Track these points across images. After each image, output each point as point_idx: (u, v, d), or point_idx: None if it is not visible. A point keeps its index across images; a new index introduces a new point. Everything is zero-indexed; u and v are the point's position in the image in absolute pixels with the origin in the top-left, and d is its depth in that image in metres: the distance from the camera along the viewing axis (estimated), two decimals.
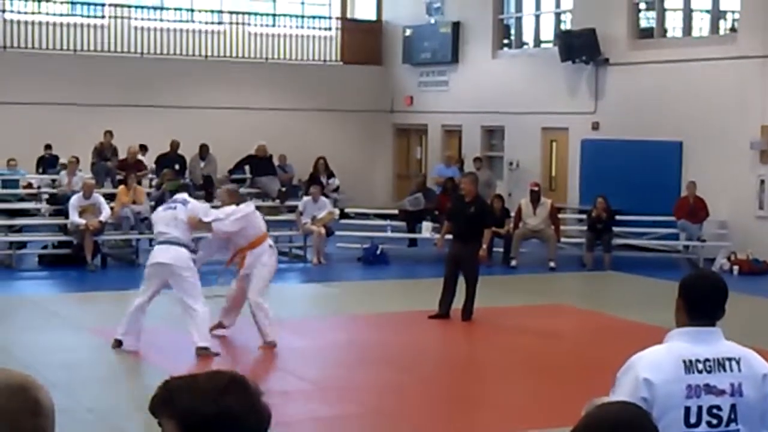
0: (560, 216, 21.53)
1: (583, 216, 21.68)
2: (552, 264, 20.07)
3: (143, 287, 12.48)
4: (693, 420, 4.13)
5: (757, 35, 20.45)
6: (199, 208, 12.77)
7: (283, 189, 24.27)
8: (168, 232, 12.33)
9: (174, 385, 2.52)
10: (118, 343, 12.35)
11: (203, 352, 11.93)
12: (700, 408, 4.14)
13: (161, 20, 28.62)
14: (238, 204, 12.77)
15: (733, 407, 4.17)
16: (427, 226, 21.13)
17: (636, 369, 4.16)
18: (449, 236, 15.41)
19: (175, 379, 2.56)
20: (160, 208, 13.09)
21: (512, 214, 20.81)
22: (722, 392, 4.16)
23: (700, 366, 4.16)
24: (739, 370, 4.21)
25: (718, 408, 4.16)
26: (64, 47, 27.04)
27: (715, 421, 4.16)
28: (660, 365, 4.15)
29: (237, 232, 12.51)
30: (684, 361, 4.16)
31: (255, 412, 2.48)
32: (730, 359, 4.22)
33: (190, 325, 12.11)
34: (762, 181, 20.42)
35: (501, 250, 20.48)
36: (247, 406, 2.46)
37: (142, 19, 28.34)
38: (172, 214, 12.47)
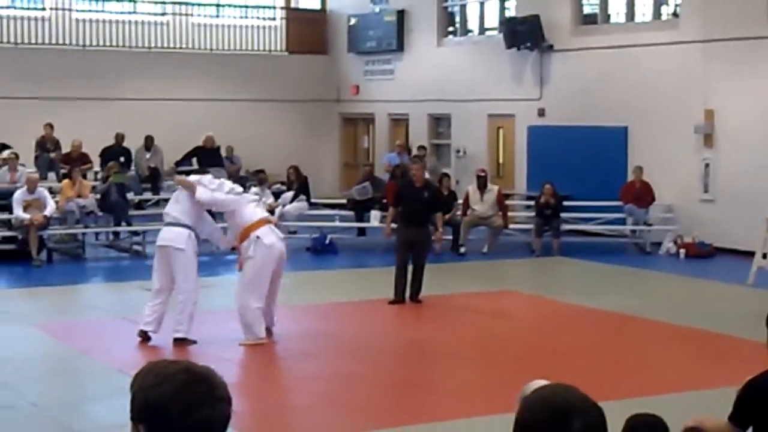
0: (508, 203, 21.57)
1: (531, 202, 21.77)
2: (484, 249, 20.22)
3: (154, 272, 12.36)
4: None
5: (698, 20, 20.62)
6: (202, 178, 12.55)
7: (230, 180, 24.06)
8: (170, 213, 12.28)
9: (140, 370, 2.53)
10: (144, 335, 12.18)
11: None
12: None
13: (103, 11, 28.31)
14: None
15: None
16: (375, 214, 21.11)
17: None
18: (394, 224, 15.44)
19: (148, 364, 2.56)
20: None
21: (460, 201, 20.85)
22: None
23: None
24: None
25: None
26: (5, 40, 26.63)
27: None
28: None
29: (228, 212, 12.31)
30: None
31: (185, 404, 2.44)
32: None
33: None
34: (706, 165, 20.60)
35: (450, 237, 20.53)
36: (175, 398, 2.43)
37: (84, 10, 28.02)
38: (176, 193, 12.50)
